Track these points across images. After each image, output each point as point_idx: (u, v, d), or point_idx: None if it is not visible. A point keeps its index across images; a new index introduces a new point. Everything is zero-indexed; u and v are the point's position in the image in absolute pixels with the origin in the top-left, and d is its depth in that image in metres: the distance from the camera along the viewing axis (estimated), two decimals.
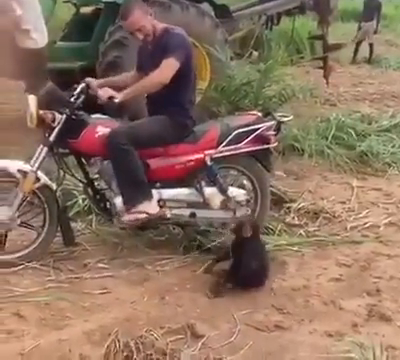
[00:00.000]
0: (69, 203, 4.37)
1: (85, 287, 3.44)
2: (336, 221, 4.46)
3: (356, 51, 12.40)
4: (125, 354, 2.66)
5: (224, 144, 3.76)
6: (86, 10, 6.97)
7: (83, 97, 3.68)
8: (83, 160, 3.78)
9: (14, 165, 3.61)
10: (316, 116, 6.60)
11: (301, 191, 4.93)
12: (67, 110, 3.59)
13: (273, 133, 3.88)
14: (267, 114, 4.04)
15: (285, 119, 4.01)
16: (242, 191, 3.89)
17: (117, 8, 6.04)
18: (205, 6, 6.60)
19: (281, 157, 5.69)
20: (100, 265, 3.70)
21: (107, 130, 3.62)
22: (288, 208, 4.56)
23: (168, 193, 3.74)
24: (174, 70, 3.60)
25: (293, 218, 4.44)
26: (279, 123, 3.93)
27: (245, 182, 3.95)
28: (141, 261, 3.75)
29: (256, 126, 3.84)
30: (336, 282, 3.59)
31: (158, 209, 3.67)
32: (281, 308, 3.26)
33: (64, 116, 3.58)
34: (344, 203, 4.83)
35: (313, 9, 9.90)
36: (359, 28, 12.58)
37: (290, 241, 4.06)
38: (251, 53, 8.31)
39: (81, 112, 3.67)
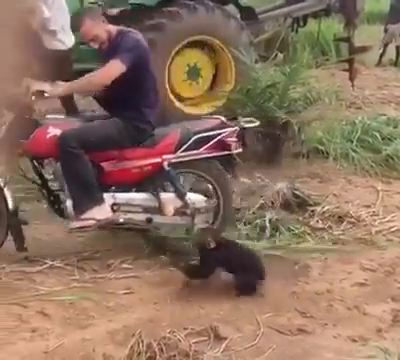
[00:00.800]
0: None
1: (109, 287, 3.47)
2: (361, 225, 4.43)
3: (382, 53, 12.28)
4: (148, 355, 2.68)
5: (183, 149, 3.68)
6: (112, 12, 6.99)
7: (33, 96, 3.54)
8: (35, 162, 3.70)
9: None
10: (341, 119, 6.54)
11: (325, 194, 4.89)
12: (16, 109, 3.55)
13: (235, 140, 3.79)
14: (233, 118, 3.98)
15: (248, 125, 3.92)
16: (201, 197, 3.81)
17: (143, 10, 6.13)
18: (231, 8, 6.60)
19: (306, 160, 5.67)
20: (124, 265, 3.72)
21: (58, 131, 3.55)
22: (312, 211, 4.53)
23: (123, 197, 3.67)
24: (117, 72, 3.52)
25: (317, 221, 4.41)
26: (242, 129, 3.86)
27: (207, 187, 3.86)
28: (164, 262, 3.75)
29: (217, 131, 3.75)
30: (360, 287, 3.56)
31: (109, 214, 3.59)
32: (304, 312, 3.24)
33: (12, 116, 3.55)
34: (369, 207, 4.78)
35: (339, 11, 9.82)
36: (385, 30, 12.45)
37: (313, 244, 4.04)
38: (276, 55, 8.27)
39: (35, 112, 3.60)
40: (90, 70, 6.08)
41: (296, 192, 4.62)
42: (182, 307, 3.26)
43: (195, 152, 3.71)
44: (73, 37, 5.78)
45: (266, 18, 8.12)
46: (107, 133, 3.60)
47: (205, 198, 3.81)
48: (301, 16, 8.56)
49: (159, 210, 3.69)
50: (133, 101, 3.66)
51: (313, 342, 2.97)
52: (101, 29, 3.62)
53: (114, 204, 3.63)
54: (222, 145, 3.76)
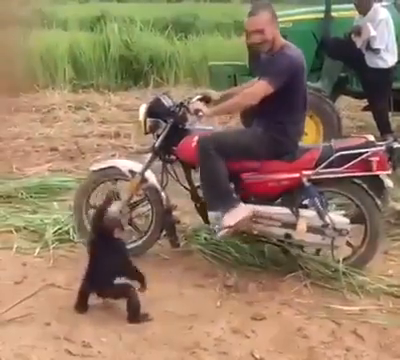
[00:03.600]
0: None
1: None
2: None
3: None
4: None
5: (323, 166, 3.53)
6: None
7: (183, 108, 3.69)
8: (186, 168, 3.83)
9: (128, 165, 3.86)
10: None
11: None
12: (171, 119, 3.68)
13: (379, 160, 3.51)
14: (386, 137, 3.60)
15: (398, 145, 3.55)
16: (344, 219, 3.61)
17: None
18: None
19: None
20: None
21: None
22: None
23: (261, 209, 3.61)
24: (265, 93, 3.46)
25: None
26: (391, 149, 3.51)
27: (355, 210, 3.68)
28: None
29: (361, 150, 3.52)
30: None
31: (240, 218, 3.51)
32: None
33: (168, 125, 3.69)
34: None
35: None
36: None
37: None
38: None
39: (188, 121, 3.70)
40: None
41: None
42: None
43: (336, 170, 3.55)
44: (396, 56, 5.73)
45: None
46: (244, 141, 3.63)
47: (349, 220, 3.62)
48: None
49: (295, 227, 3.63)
50: (277, 117, 3.61)
51: None
52: (270, 29, 3.51)
53: (253, 215, 3.63)
54: (366, 165, 3.53)
